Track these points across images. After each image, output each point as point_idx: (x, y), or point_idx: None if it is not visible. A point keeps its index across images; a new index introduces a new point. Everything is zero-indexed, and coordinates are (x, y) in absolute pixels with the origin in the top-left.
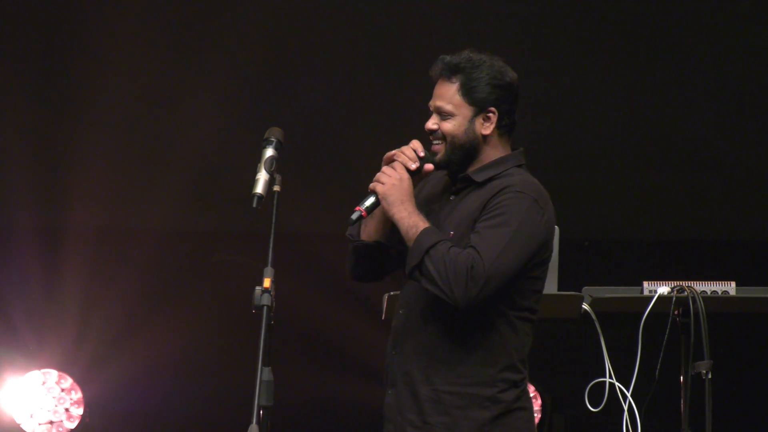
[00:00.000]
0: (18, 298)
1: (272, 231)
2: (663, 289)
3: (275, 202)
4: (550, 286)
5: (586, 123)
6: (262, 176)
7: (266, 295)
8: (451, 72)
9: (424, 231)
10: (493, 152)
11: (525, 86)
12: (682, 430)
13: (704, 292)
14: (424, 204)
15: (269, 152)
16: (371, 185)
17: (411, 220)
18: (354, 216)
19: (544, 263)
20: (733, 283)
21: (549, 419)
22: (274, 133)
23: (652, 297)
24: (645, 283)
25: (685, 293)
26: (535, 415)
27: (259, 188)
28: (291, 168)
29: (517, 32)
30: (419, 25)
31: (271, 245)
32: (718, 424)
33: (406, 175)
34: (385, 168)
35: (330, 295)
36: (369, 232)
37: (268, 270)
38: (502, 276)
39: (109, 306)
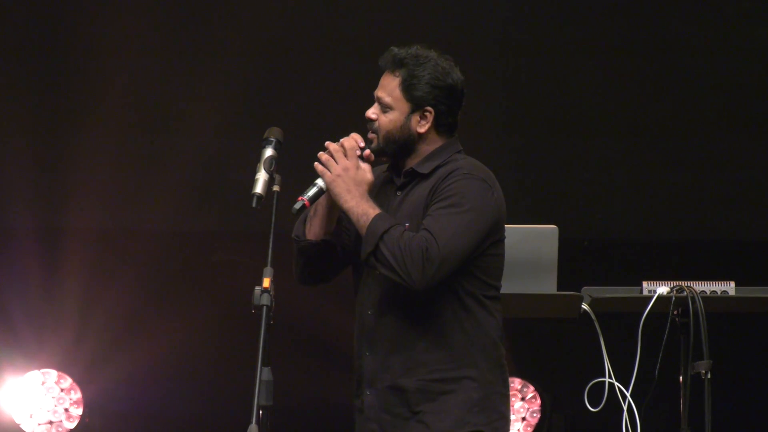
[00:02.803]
0: (18, 298)
1: (272, 231)
2: (662, 289)
3: (275, 202)
4: (550, 286)
5: (587, 123)
6: (262, 176)
7: (266, 295)
8: (395, 65)
9: (376, 217)
10: (429, 148)
11: (525, 84)
12: (681, 430)
13: (703, 292)
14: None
15: (269, 152)
16: (316, 164)
17: (360, 209)
18: (297, 206)
19: (501, 242)
20: (733, 283)
21: (548, 419)
22: (274, 133)
23: (651, 297)
24: (644, 283)
25: (685, 293)
26: (535, 414)
27: (259, 188)
28: (290, 168)
29: (516, 31)
30: (418, 24)
31: (270, 245)
32: (718, 424)
33: (350, 163)
34: (334, 150)
35: (329, 295)
36: (315, 231)
37: (268, 270)
38: (456, 256)
39: (109, 306)
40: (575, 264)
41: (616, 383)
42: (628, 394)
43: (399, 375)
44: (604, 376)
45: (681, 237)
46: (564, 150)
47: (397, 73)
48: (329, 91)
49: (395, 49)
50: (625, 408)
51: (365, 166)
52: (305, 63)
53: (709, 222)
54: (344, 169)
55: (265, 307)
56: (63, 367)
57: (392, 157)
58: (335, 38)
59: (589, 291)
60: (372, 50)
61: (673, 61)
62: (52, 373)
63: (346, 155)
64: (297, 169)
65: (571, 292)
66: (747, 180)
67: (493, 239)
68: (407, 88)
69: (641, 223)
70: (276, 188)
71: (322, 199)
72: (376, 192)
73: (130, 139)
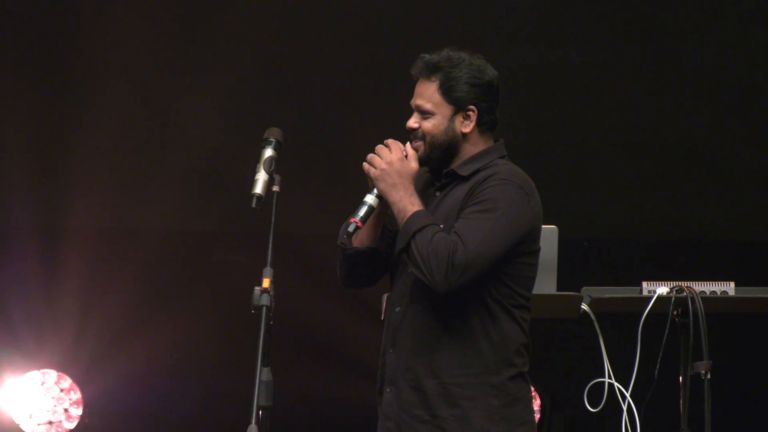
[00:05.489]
0: (17, 299)
1: (271, 231)
2: (662, 289)
3: (274, 202)
4: (550, 287)
5: (586, 123)
6: (261, 176)
7: (265, 295)
8: (430, 71)
9: (414, 215)
10: (473, 149)
11: (524, 84)
12: (681, 430)
13: (703, 292)
14: None
15: (268, 152)
16: (364, 164)
17: (402, 204)
18: (351, 228)
19: (535, 252)
20: (732, 284)
21: (548, 419)
22: (273, 134)
23: (651, 297)
24: (644, 284)
25: (684, 293)
26: (535, 415)
27: (258, 188)
28: (290, 168)
29: (514, 30)
30: (416, 24)
31: (270, 245)
32: (717, 424)
33: (394, 156)
34: (378, 148)
35: (329, 296)
36: (361, 238)
37: (267, 270)
38: (483, 261)
39: (109, 306)
40: (575, 264)
41: (616, 383)
42: (627, 395)
43: (420, 376)
44: (604, 377)
45: (681, 237)
46: (564, 149)
47: (434, 78)
48: (330, 91)
49: (426, 56)
50: (624, 408)
51: (411, 154)
52: (306, 63)
53: (709, 222)
54: (388, 163)
55: (264, 308)
56: (63, 368)
57: (437, 162)
58: (336, 37)
59: (589, 291)
60: (373, 49)
61: (673, 60)
62: (52, 374)
63: (390, 150)
64: (297, 169)
65: (571, 292)
66: (747, 180)
67: (527, 249)
68: (447, 91)
69: (641, 223)
70: (275, 188)
71: None
72: (420, 191)
73: (130, 139)
